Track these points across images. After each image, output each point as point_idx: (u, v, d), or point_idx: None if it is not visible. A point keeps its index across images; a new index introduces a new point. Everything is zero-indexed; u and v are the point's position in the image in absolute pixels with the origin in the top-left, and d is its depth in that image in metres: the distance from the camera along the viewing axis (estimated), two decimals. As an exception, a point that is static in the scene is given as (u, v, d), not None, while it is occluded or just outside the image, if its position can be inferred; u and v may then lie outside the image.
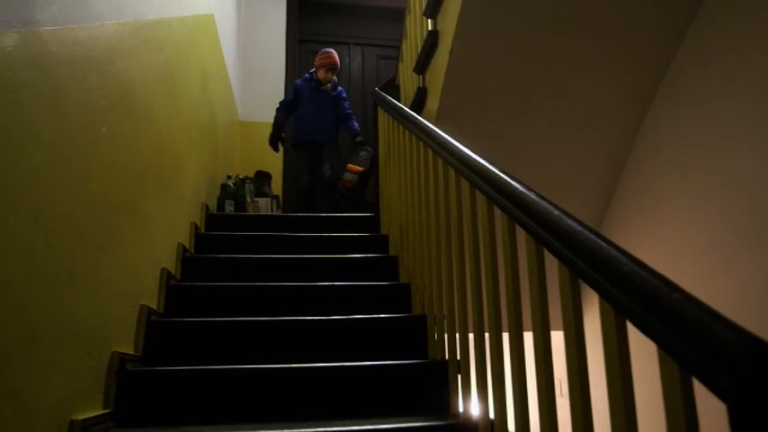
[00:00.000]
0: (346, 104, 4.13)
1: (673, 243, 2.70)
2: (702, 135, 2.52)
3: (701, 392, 0.70)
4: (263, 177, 4.21)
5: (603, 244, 0.92)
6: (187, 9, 2.75)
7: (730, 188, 2.36)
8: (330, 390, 1.83)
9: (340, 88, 4.21)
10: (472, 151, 1.64)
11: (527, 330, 1.38)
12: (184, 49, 2.72)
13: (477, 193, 1.58)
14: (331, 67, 4.09)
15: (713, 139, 2.46)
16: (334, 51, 4.18)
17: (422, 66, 3.08)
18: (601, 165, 3.09)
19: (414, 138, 2.40)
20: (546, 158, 2.99)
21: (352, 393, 1.84)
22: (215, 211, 3.56)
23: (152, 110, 2.14)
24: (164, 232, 2.34)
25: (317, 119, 4.02)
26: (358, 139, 4.05)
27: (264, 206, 3.91)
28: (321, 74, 4.06)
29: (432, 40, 2.84)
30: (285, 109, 4.12)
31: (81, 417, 1.45)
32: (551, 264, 1.15)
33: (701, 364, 0.67)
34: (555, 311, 1.31)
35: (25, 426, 1.20)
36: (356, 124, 4.11)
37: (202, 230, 3.11)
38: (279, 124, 4.08)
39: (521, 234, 1.30)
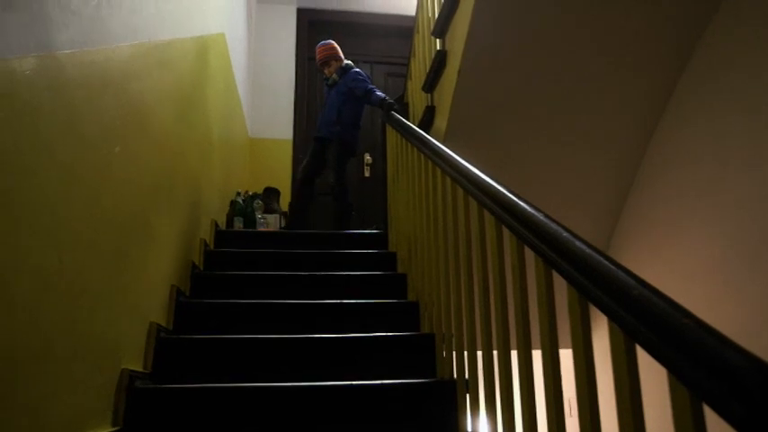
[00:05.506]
0: (359, 85, 3.72)
1: (681, 263, 2.68)
2: (712, 153, 2.52)
3: (713, 418, 0.70)
4: (271, 194, 4.23)
5: (613, 267, 0.92)
6: (199, 29, 2.80)
7: (740, 208, 2.35)
8: (339, 408, 1.82)
9: (351, 71, 3.86)
10: (481, 171, 1.65)
11: (536, 349, 1.38)
12: (196, 68, 2.76)
13: (486, 212, 1.58)
14: (322, 64, 3.98)
15: (723, 157, 2.45)
16: (321, 44, 4.00)
17: (430, 84, 3.10)
18: (609, 182, 3.09)
19: (422, 156, 2.41)
20: (554, 176, 2.99)
21: (360, 412, 1.83)
22: (224, 228, 3.58)
23: (164, 128, 2.17)
24: (174, 249, 2.36)
25: (322, 114, 3.90)
26: (387, 103, 3.38)
27: (273, 223, 3.92)
28: (324, 73, 4.02)
29: (440, 59, 2.87)
30: None
31: (91, 434, 1.46)
32: (559, 282, 1.16)
33: (712, 390, 0.67)
34: (564, 329, 1.31)
35: (36, 443, 1.21)
36: (377, 95, 3.57)
37: (212, 247, 3.13)
38: None
39: (529, 254, 1.30)
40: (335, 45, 4.03)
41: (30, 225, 1.17)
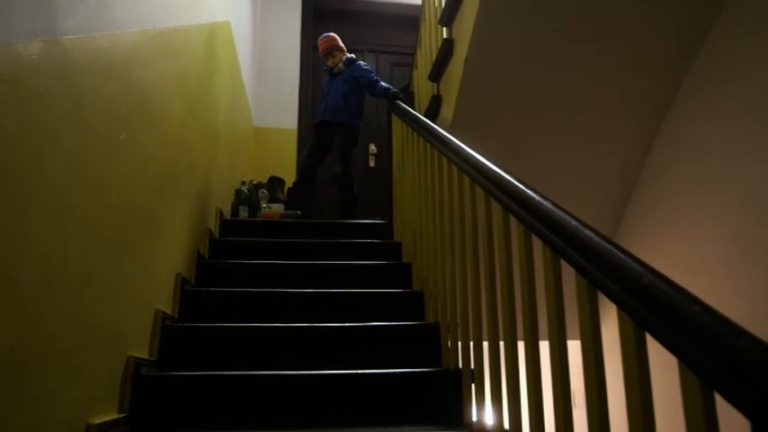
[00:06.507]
0: (365, 75, 3.74)
1: (685, 257, 2.68)
2: (717, 150, 2.50)
3: (724, 406, 0.70)
4: (276, 183, 4.23)
5: (622, 255, 0.91)
6: (204, 17, 2.78)
7: (743, 205, 2.34)
8: (343, 397, 1.83)
9: (358, 62, 3.87)
10: (487, 160, 1.64)
11: (543, 339, 1.37)
12: (201, 56, 2.75)
13: (492, 201, 1.57)
14: (326, 54, 3.97)
15: (726, 155, 2.44)
16: (324, 36, 4.00)
17: (436, 74, 3.08)
18: (614, 178, 3.07)
19: (428, 145, 2.40)
20: (559, 170, 2.97)
21: (365, 401, 1.84)
22: (229, 217, 3.58)
23: (169, 116, 2.16)
24: (179, 237, 2.36)
25: (327, 100, 3.89)
26: (392, 92, 3.43)
27: (277, 212, 3.92)
28: (328, 63, 4.02)
29: (446, 48, 2.85)
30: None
31: (97, 421, 1.47)
32: (568, 272, 1.15)
33: (722, 378, 0.67)
34: (571, 320, 1.30)
35: (42, 431, 1.21)
36: (382, 85, 3.59)
37: (217, 236, 3.13)
38: None
39: (536, 243, 1.30)
40: (337, 36, 4.04)
41: (35, 213, 1.16)
